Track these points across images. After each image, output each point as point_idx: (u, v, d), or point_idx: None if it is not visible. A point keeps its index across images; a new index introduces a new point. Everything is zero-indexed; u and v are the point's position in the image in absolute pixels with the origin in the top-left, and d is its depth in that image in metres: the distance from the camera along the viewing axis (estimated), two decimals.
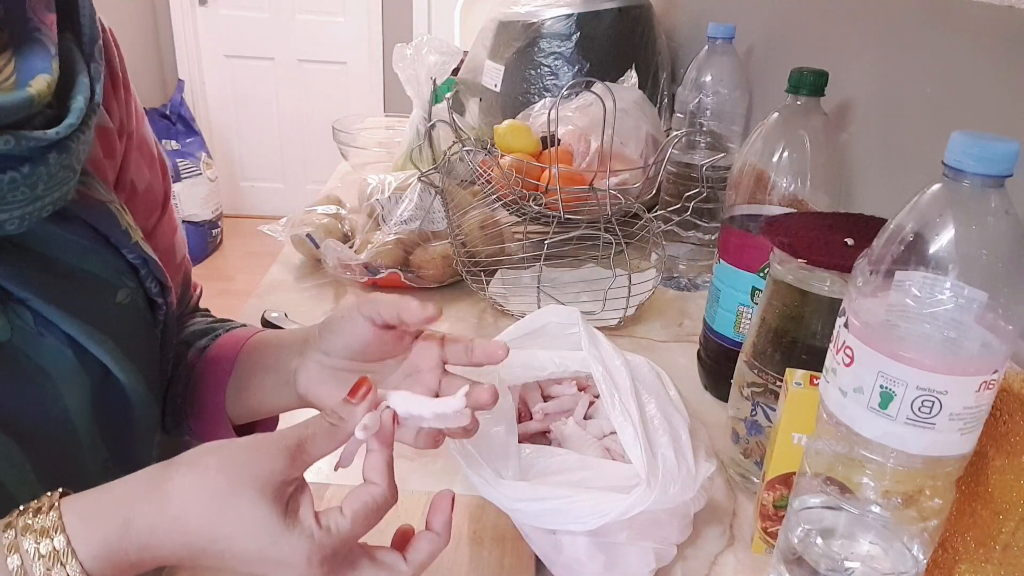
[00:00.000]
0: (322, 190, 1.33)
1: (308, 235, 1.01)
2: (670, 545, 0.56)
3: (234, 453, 0.38)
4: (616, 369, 0.58)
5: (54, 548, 0.34)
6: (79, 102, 0.43)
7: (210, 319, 0.66)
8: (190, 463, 0.38)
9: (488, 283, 0.97)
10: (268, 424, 0.61)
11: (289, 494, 0.38)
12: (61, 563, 0.34)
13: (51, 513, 0.35)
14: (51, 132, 0.40)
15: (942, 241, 0.38)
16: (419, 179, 0.98)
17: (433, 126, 1.20)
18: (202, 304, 0.70)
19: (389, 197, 1.01)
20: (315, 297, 0.99)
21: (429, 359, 0.51)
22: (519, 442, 0.55)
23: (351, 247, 0.99)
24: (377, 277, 0.97)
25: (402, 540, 0.43)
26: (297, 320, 0.88)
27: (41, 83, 0.40)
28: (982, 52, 0.63)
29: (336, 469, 0.44)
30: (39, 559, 0.34)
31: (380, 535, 0.41)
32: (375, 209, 1.01)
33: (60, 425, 0.45)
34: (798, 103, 0.72)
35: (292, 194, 3.66)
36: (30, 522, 0.35)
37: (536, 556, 0.56)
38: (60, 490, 0.37)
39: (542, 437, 0.64)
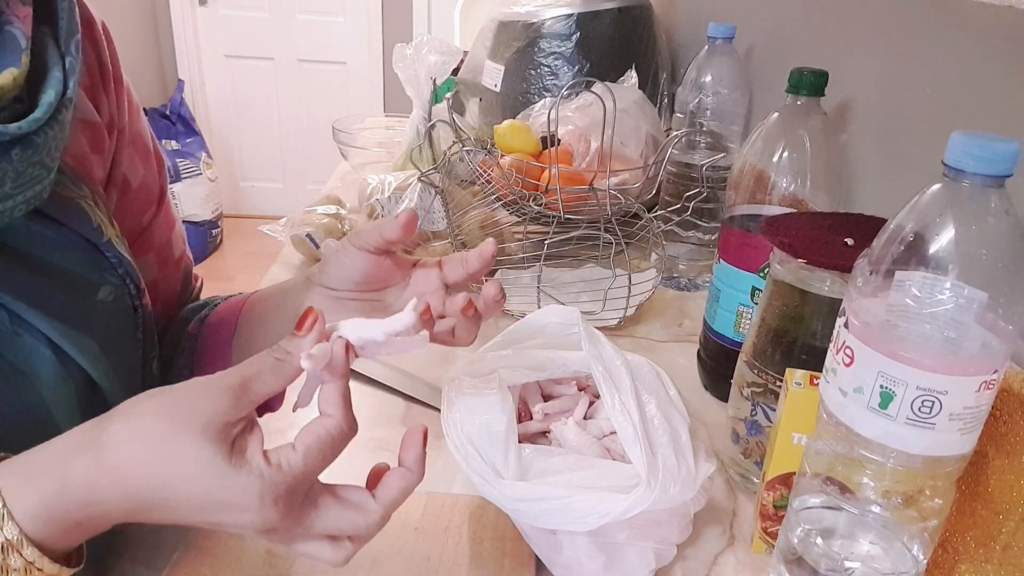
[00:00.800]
0: (322, 190, 1.33)
1: (308, 235, 1.01)
2: (670, 545, 0.56)
3: (172, 396, 0.36)
4: (616, 369, 0.58)
5: None
6: (49, 96, 0.41)
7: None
8: (125, 412, 0.36)
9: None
10: (276, 398, 0.61)
11: (235, 435, 0.36)
12: None
13: None
14: (12, 127, 0.39)
15: (942, 241, 0.38)
16: (419, 179, 0.98)
17: (433, 126, 1.20)
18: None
19: (389, 197, 1.01)
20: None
21: (430, 283, 0.52)
22: (519, 442, 0.55)
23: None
24: None
25: (375, 480, 0.41)
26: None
27: (6, 77, 0.39)
28: (982, 52, 0.63)
29: (294, 409, 0.42)
30: None
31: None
32: (375, 209, 1.01)
33: (43, 427, 0.43)
34: (798, 103, 0.72)
35: (292, 194, 3.66)
36: None
37: (536, 556, 0.56)
38: None
39: (542, 437, 0.64)
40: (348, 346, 0.41)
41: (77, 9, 0.46)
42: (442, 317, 0.50)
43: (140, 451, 0.35)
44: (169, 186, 0.64)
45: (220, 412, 0.36)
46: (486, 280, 0.51)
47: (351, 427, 0.39)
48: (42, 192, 0.42)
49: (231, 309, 0.59)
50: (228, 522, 0.36)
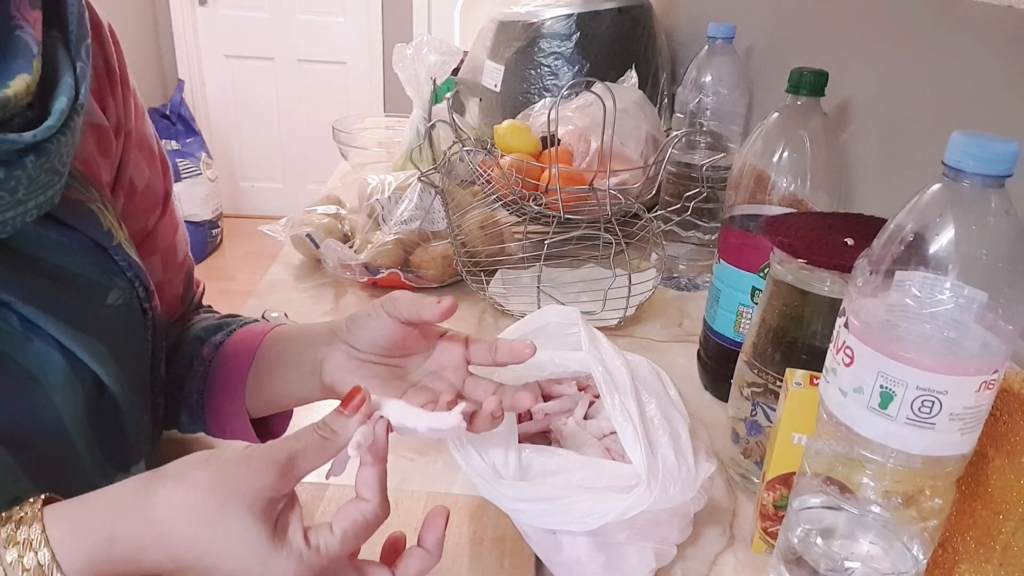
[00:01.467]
0: (322, 190, 1.33)
1: (308, 235, 1.01)
2: (670, 545, 0.56)
3: (223, 468, 0.37)
4: (616, 369, 0.58)
5: (38, 563, 0.34)
6: (61, 103, 0.41)
7: (216, 315, 0.66)
8: (177, 477, 0.37)
9: (488, 283, 0.97)
10: (282, 418, 0.61)
11: (278, 511, 0.38)
12: None
13: (34, 525, 0.35)
14: (27, 135, 0.39)
15: (942, 241, 0.38)
16: (419, 179, 0.98)
17: (433, 126, 1.20)
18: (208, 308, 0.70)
19: (389, 197, 1.01)
20: (315, 297, 0.99)
21: (453, 358, 0.53)
22: (519, 442, 0.55)
23: (351, 247, 0.99)
24: (377, 277, 0.97)
25: (392, 550, 0.43)
26: (297, 320, 0.88)
27: (20, 83, 0.39)
28: (982, 52, 0.63)
29: (327, 478, 0.43)
30: (23, 573, 0.34)
31: (377, 533, 0.41)
32: (375, 209, 1.01)
33: (53, 432, 0.44)
34: (798, 103, 0.72)
35: (292, 194, 3.66)
36: (13, 533, 0.35)
37: (536, 556, 0.56)
38: (43, 497, 0.37)
39: (542, 437, 0.64)
40: (388, 428, 0.42)
41: (87, 13, 0.46)
42: (461, 397, 0.52)
43: (189, 523, 0.36)
44: (172, 187, 0.64)
45: (266, 488, 0.37)
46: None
47: (385, 511, 0.40)
48: (53, 197, 0.42)
49: (249, 341, 0.59)
50: None
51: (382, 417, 0.42)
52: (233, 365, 0.57)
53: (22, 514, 0.35)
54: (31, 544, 0.34)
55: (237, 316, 0.66)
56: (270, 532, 0.37)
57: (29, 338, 0.43)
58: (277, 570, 0.36)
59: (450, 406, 0.47)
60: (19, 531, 0.35)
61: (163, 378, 0.56)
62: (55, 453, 0.45)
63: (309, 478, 0.40)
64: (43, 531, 0.35)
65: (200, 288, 0.69)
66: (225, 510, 0.36)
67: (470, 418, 0.48)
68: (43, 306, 0.43)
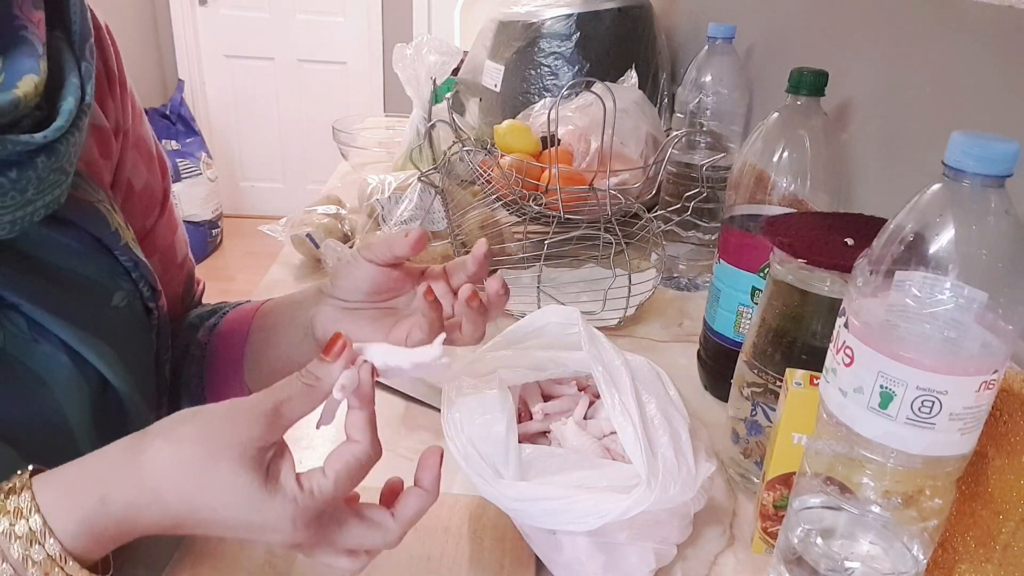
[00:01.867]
0: (322, 190, 1.33)
1: (308, 235, 1.01)
2: (670, 545, 0.56)
3: (209, 421, 0.37)
4: (616, 369, 0.58)
5: (30, 529, 0.34)
6: (69, 104, 0.41)
7: (210, 305, 0.66)
8: (164, 434, 0.37)
9: None
10: None
11: (268, 459, 0.38)
12: (39, 543, 0.34)
13: (24, 493, 0.35)
14: (39, 136, 0.39)
15: (942, 241, 0.38)
16: (419, 179, 0.98)
17: (433, 126, 1.20)
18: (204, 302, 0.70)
19: (389, 197, 1.01)
20: None
21: (438, 289, 0.53)
22: (519, 442, 0.55)
23: (351, 247, 0.99)
24: None
25: (391, 494, 0.43)
26: None
27: (28, 84, 0.39)
28: (982, 52, 0.63)
29: (318, 427, 0.43)
30: (16, 540, 0.34)
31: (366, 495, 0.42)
32: (375, 209, 1.01)
33: (59, 432, 0.45)
34: (798, 103, 0.72)
35: (292, 194, 3.66)
36: (3, 503, 0.35)
37: (536, 556, 0.56)
38: (31, 468, 0.37)
39: (542, 437, 0.64)
40: (373, 371, 0.42)
41: (89, 12, 0.46)
42: (450, 318, 0.52)
43: (180, 476, 0.36)
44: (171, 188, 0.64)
45: (255, 438, 0.37)
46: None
47: (377, 452, 0.40)
48: (60, 196, 0.42)
49: (242, 318, 0.59)
50: (259, 539, 0.38)
51: (366, 361, 0.42)
52: (229, 344, 0.58)
53: (10, 485, 0.36)
54: (21, 512, 0.34)
55: (230, 302, 0.66)
56: (262, 479, 0.37)
57: (36, 340, 0.44)
58: (272, 515, 0.36)
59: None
60: (8, 500, 0.35)
61: (168, 379, 0.56)
62: (60, 454, 0.45)
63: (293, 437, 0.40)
64: (32, 499, 0.35)
65: (200, 287, 0.69)
66: (215, 461, 0.36)
67: (456, 328, 0.49)
68: (50, 308, 0.44)
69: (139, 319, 0.52)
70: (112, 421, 0.48)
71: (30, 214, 0.40)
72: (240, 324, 0.58)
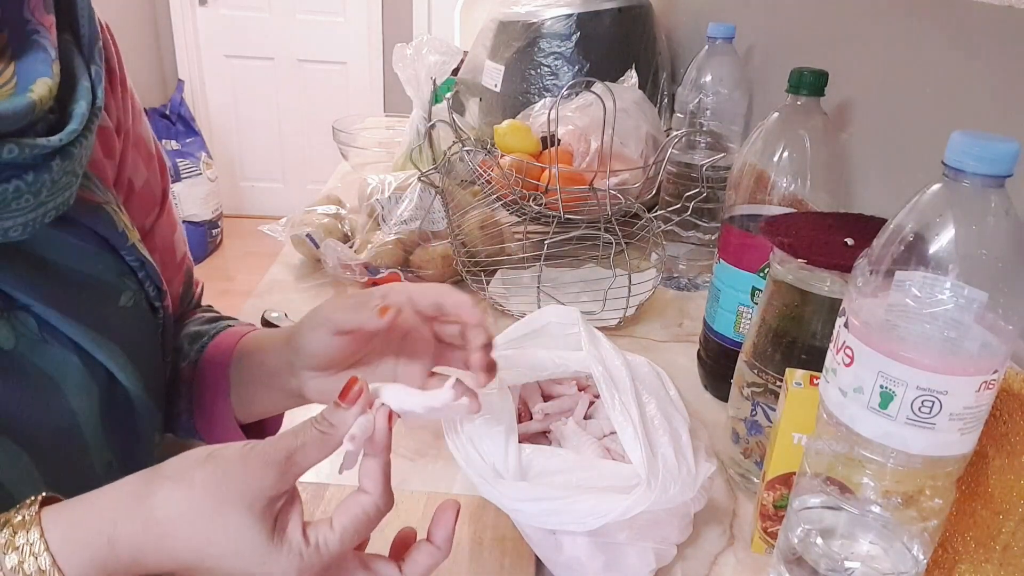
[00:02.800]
0: (322, 190, 1.33)
1: (308, 235, 1.01)
2: (670, 545, 0.56)
3: (221, 467, 0.37)
4: (616, 369, 0.58)
5: (39, 568, 0.34)
6: (81, 107, 0.42)
7: (210, 315, 0.66)
8: (176, 477, 0.37)
9: (488, 283, 0.97)
10: (275, 421, 0.61)
11: (278, 509, 0.38)
12: None
13: (32, 530, 0.35)
14: (54, 139, 0.39)
15: (942, 241, 0.38)
16: (419, 179, 0.98)
17: (433, 126, 1.20)
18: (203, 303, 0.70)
19: (389, 197, 1.01)
20: (315, 297, 0.99)
21: (424, 343, 0.52)
22: (519, 442, 0.55)
23: (351, 247, 0.99)
24: (377, 277, 0.97)
25: (402, 545, 0.42)
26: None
27: (42, 88, 0.39)
28: (982, 52, 0.63)
29: (341, 472, 0.42)
30: None
31: (378, 531, 0.41)
32: (375, 209, 1.01)
33: (68, 433, 0.45)
34: (798, 103, 0.72)
35: (292, 194, 3.66)
36: (11, 539, 0.34)
37: (536, 556, 0.56)
38: (39, 498, 0.36)
39: (542, 437, 0.64)
40: (390, 416, 0.41)
41: (95, 14, 0.46)
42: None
43: (189, 523, 0.36)
44: (170, 187, 0.64)
45: (266, 487, 0.37)
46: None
47: (388, 505, 0.40)
48: (70, 198, 0.43)
49: (220, 360, 0.58)
50: None
51: (383, 405, 0.41)
52: (211, 384, 0.57)
53: (19, 518, 0.35)
54: (31, 549, 0.34)
55: (221, 320, 0.65)
56: (269, 531, 0.37)
57: (46, 340, 0.44)
58: (277, 569, 0.36)
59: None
60: (17, 536, 0.34)
61: (169, 378, 0.56)
62: (69, 454, 0.45)
63: (308, 477, 0.39)
64: (42, 535, 0.34)
65: (199, 287, 0.69)
66: (224, 511, 0.36)
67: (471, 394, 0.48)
68: (60, 308, 0.44)
69: (146, 319, 0.52)
70: (121, 420, 0.48)
71: (41, 216, 0.41)
72: (219, 364, 0.57)
